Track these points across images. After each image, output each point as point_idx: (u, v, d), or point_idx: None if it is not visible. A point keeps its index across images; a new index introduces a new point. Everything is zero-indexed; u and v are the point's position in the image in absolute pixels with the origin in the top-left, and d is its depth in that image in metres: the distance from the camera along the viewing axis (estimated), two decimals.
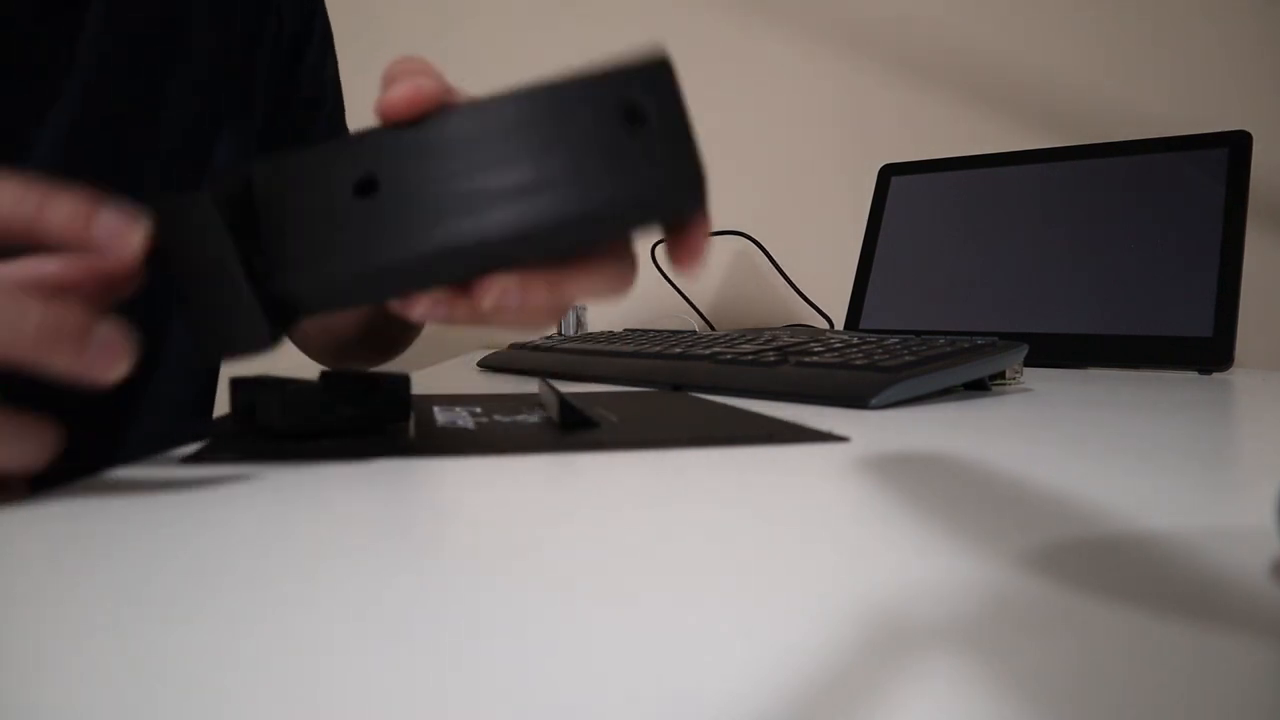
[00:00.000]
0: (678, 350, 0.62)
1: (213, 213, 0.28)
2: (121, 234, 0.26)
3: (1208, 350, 0.71)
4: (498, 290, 0.28)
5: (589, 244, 0.30)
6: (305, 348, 0.77)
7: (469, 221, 0.28)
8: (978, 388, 0.54)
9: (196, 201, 0.28)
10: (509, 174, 0.28)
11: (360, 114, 0.76)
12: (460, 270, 0.29)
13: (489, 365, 0.77)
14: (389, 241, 0.28)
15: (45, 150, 0.49)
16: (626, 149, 0.28)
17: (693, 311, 1.13)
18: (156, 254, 0.28)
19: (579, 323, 1.07)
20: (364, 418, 0.37)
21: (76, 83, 0.51)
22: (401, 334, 0.74)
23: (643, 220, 0.29)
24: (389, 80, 0.29)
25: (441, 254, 0.28)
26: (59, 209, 0.26)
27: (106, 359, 0.25)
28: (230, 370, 0.47)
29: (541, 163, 0.28)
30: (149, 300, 0.28)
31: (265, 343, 0.29)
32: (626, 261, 0.32)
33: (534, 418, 0.42)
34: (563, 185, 0.28)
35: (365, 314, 0.68)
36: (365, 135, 0.29)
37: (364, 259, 0.28)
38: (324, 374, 0.38)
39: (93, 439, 0.52)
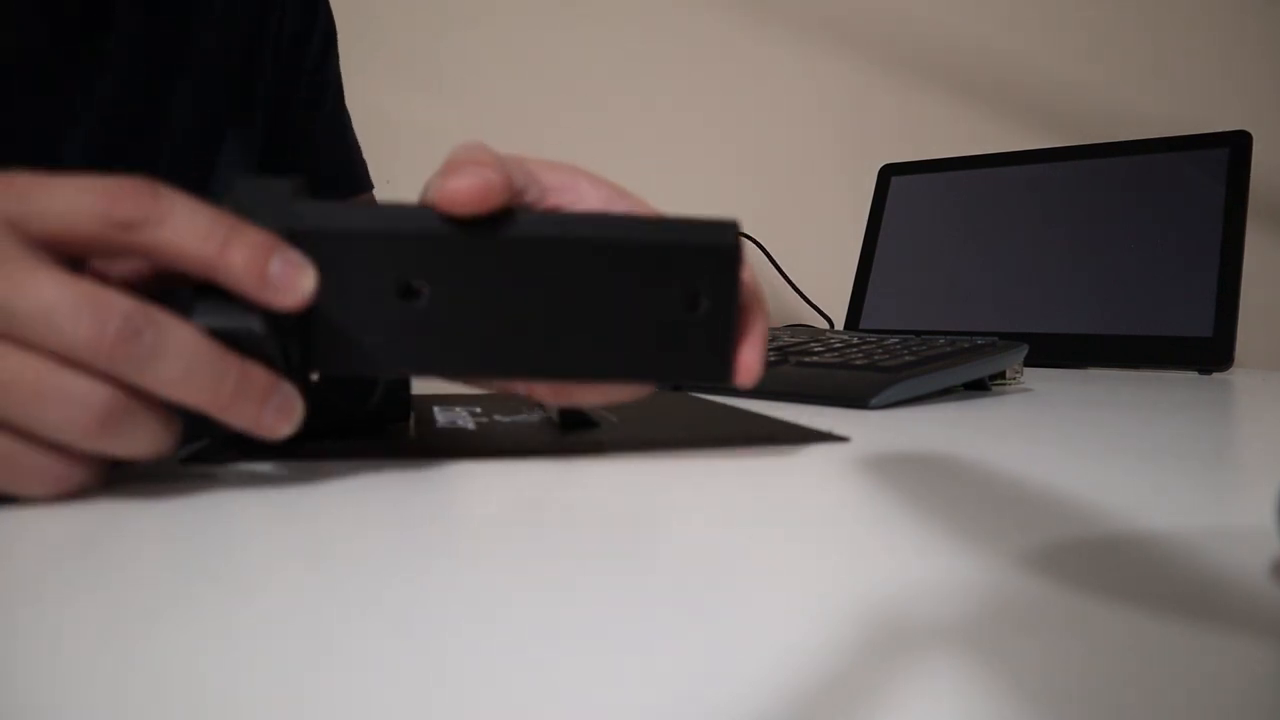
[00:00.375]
0: None
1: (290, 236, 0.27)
2: (294, 278, 0.26)
3: (1208, 350, 0.71)
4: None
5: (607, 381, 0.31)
6: None
7: (508, 358, 0.28)
8: (978, 388, 0.54)
9: (280, 214, 0.27)
10: (559, 320, 0.28)
11: (358, 115, 0.76)
12: (484, 381, 0.30)
13: None
14: (425, 355, 0.28)
15: (68, 168, 0.49)
16: (677, 330, 0.29)
17: None
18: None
19: None
20: (364, 418, 0.37)
21: (95, 101, 0.51)
22: None
23: (672, 383, 0.31)
24: (452, 168, 0.28)
25: (473, 376, 0.29)
26: (242, 248, 0.26)
27: (281, 418, 0.27)
28: None
29: (594, 319, 0.29)
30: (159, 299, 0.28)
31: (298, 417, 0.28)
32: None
33: (534, 418, 0.42)
34: (608, 348, 0.29)
35: None
36: (417, 232, 0.28)
37: (400, 365, 0.28)
38: (324, 374, 0.38)
39: None
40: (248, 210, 0.27)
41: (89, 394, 0.24)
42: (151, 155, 0.54)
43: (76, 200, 0.25)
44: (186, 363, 0.25)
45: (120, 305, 0.24)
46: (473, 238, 0.28)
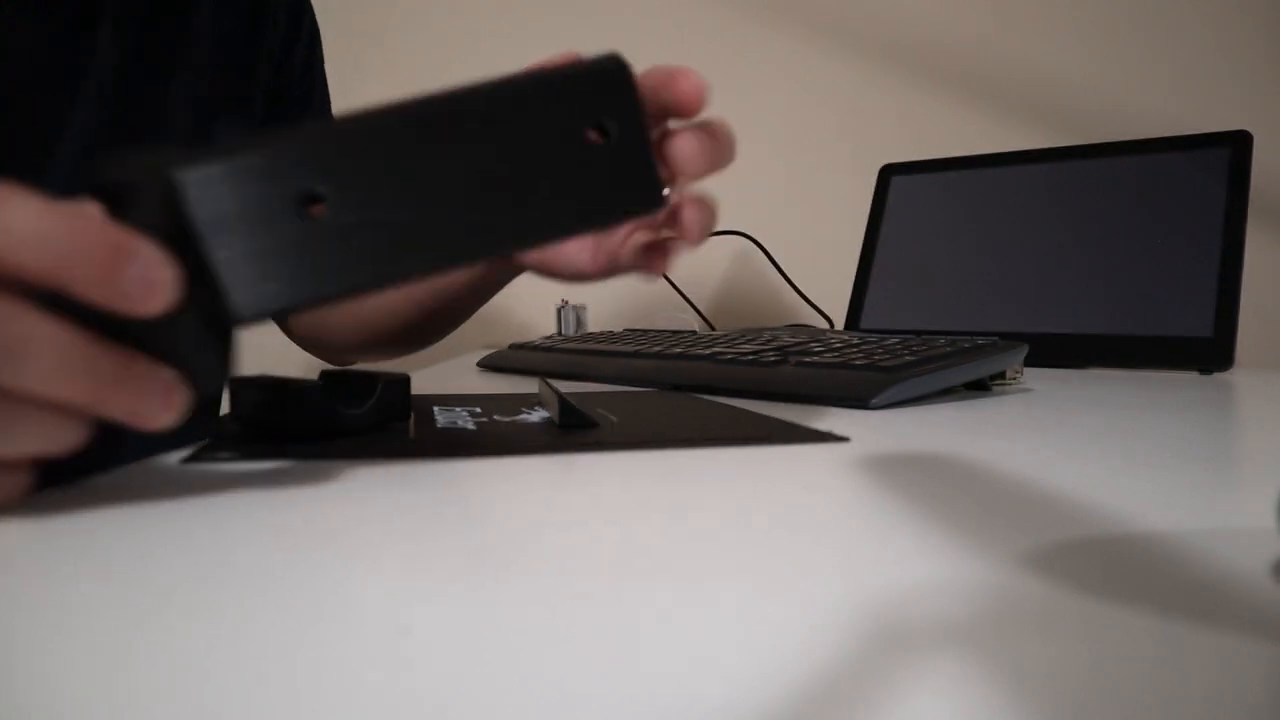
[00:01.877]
0: (678, 350, 0.62)
1: (167, 205, 0.25)
2: (152, 286, 0.23)
3: (1208, 350, 0.71)
4: None
5: (543, 244, 0.29)
6: (318, 346, 0.75)
7: (431, 247, 0.27)
8: (978, 388, 0.54)
9: (158, 176, 0.25)
10: (474, 192, 0.27)
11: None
12: (419, 277, 0.28)
13: (489, 365, 0.77)
14: (341, 269, 0.26)
15: (59, 173, 0.49)
16: (595, 166, 0.28)
17: (693, 311, 1.13)
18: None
19: (579, 323, 1.07)
20: (364, 418, 0.37)
21: (89, 102, 0.51)
22: (452, 320, 0.70)
23: (603, 227, 0.30)
24: (669, 75, 0.32)
25: (396, 277, 0.27)
26: (88, 258, 0.23)
27: (167, 407, 0.25)
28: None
29: (508, 182, 0.27)
30: None
31: (220, 378, 0.27)
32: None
33: (534, 418, 0.42)
34: (531, 206, 0.28)
35: (415, 306, 0.66)
36: (305, 141, 0.26)
37: (317, 288, 0.26)
38: (324, 374, 0.38)
39: (93, 438, 0.52)
40: (126, 193, 0.24)
41: None
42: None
43: None
44: (56, 359, 0.23)
45: None
46: (361, 128, 0.26)
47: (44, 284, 0.23)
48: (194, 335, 0.25)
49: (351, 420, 0.36)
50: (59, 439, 0.25)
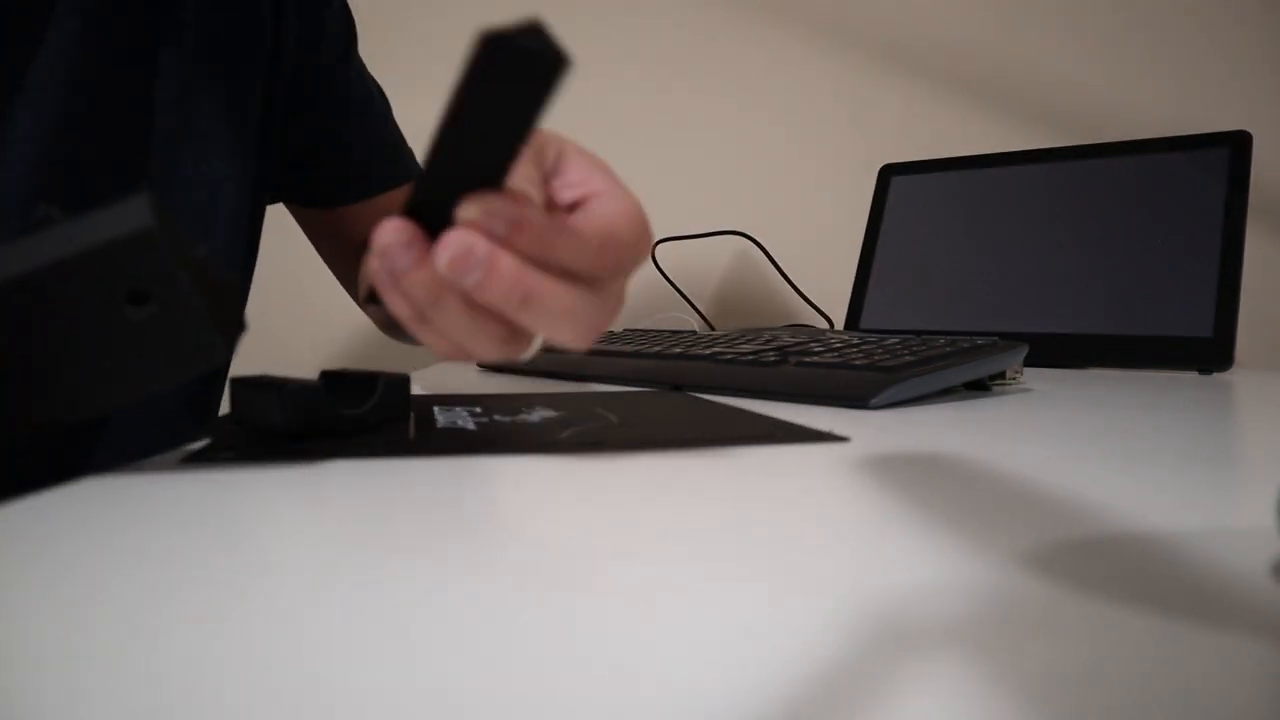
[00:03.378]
0: (678, 350, 0.62)
1: None
2: None
3: (1208, 350, 0.71)
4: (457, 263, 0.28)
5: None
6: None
7: None
8: (978, 388, 0.54)
9: None
10: (32, 368, 0.26)
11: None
12: None
13: (489, 365, 0.77)
14: None
15: (21, 144, 0.47)
16: (138, 331, 0.27)
17: (693, 311, 1.13)
18: None
19: None
20: (364, 417, 0.37)
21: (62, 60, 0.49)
22: None
23: (177, 380, 0.28)
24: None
25: None
26: None
27: None
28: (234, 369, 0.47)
29: (54, 359, 0.26)
30: None
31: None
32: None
33: (534, 418, 0.42)
34: (79, 385, 0.27)
35: None
36: None
37: None
38: (324, 374, 0.38)
39: (90, 439, 0.52)
40: None
41: None
42: (138, 124, 0.53)
43: None
44: None
45: None
46: None
47: None
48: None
49: (351, 420, 0.36)
50: None
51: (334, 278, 0.80)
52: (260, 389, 0.35)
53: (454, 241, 0.28)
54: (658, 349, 0.64)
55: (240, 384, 0.36)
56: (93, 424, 0.53)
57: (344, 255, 0.75)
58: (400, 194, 0.71)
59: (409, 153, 0.74)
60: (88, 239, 0.26)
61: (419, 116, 1.17)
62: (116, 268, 0.26)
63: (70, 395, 0.27)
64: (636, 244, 0.34)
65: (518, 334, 0.31)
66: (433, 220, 0.29)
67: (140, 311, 0.27)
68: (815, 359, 0.53)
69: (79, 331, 0.26)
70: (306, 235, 0.76)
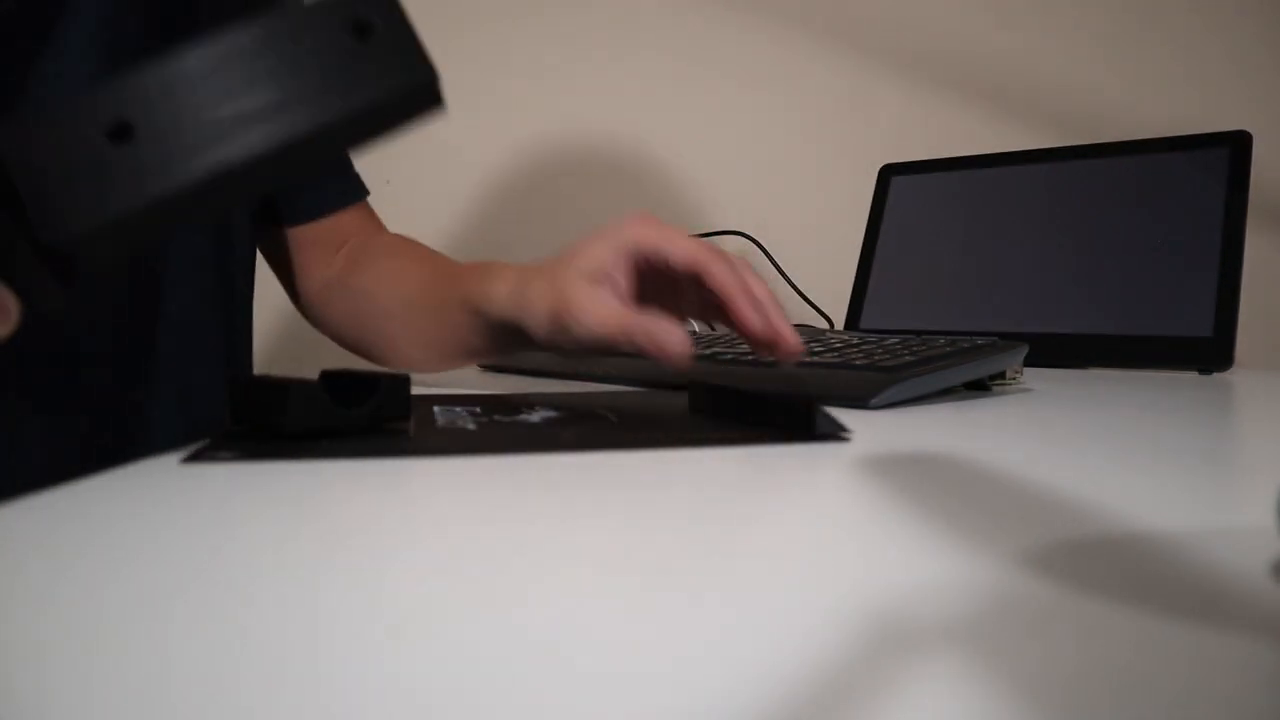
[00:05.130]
0: None
1: None
2: None
3: (1208, 350, 0.71)
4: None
5: (344, 148, 0.32)
6: (399, 358, 0.73)
7: (223, 148, 0.30)
8: (978, 388, 0.54)
9: None
10: (255, 98, 0.30)
11: None
12: (225, 195, 0.30)
13: (489, 365, 0.77)
14: (152, 179, 0.29)
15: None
16: (359, 59, 0.30)
17: None
18: None
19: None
20: (365, 418, 0.37)
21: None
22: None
23: (391, 116, 0.32)
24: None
25: (203, 182, 0.29)
26: None
27: None
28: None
29: (284, 84, 0.30)
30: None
31: (55, 297, 0.29)
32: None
33: (534, 417, 0.42)
34: (305, 101, 0.30)
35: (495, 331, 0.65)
36: (111, 81, 0.29)
37: (132, 200, 0.29)
38: (324, 374, 0.38)
39: (117, 430, 0.53)
40: None
41: None
42: None
43: None
44: None
45: None
46: (163, 69, 0.30)
47: None
48: (21, 259, 0.28)
49: (352, 420, 0.36)
50: None
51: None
52: (261, 389, 0.35)
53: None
54: None
55: (240, 384, 0.36)
56: (128, 416, 0.54)
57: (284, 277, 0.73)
58: (347, 216, 0.70)
59: (356, 175, 0.74)
60: None
61: None
62: (342, 3, 0.30)
63: (294, 114, 0.30)
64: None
65: None
66: None
67: (365, 42, 0.30)
68: (815, 359, 0.53)
69: (312, 60, 0.30)
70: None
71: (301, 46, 0.30)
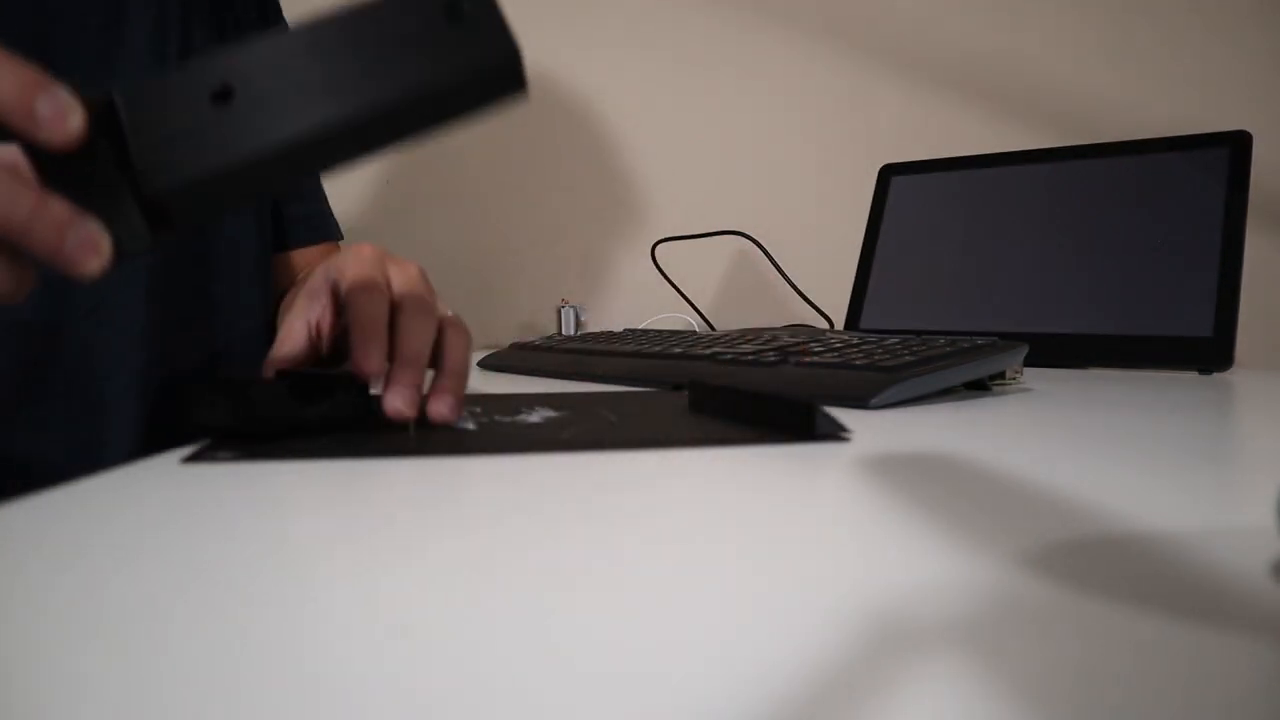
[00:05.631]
0: (678, 350, 0.62)
1: (106, 102, 0.30)
2: (63, 114, 0.27)
3: (1208, 350, 0.71)
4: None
5: (427, 126, 0.34)
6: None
7: (312, 113, 0.32)
8: (978, 388, 0.54)
9: (104, 91, 0.30)
10: (346, 70, 0.32)
11: None
12: (312, 161, 0.33)
13: (489, 365, 0.77)
14: (246, 140, 0.31)
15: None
16: (450, 38, 0.33)
17: (693, 311, 1.13)
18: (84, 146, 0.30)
19: (579, 323, 1.07)
20: (318, 418, 0.37)
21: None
22: None
23: (475, 95, 0.34)
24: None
25: (291, 146, 0.32)
26: (10, 85, 0.27)
27: (83, 252, 0.28)
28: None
29: (380, 57, 0.32)
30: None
31: (144, 242, 0.31)
32: None
33: (534, 417, 0.42)
34: (392, 74, 0.32)
35: None
36: (218, 50, 0.32)
37: (228, 157, 0.31)
38: (280, 373, 0.39)
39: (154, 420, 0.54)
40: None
41: None
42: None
43: None
44: None
45: None
46: (267, 42, 0.32)
47: None
48: (121, 205, 0.30)
49: (306, 420, 0.37)
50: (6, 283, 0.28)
51: None
52: (221, 391, 0.36)
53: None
54: (658, 349, 0.64)
55: (202, 388, 0.36)
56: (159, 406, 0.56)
57: None
58: (313, 252, 0.73)
59: (331, 214, 0.78)
60: None
61: None
62: None
63: (388, 82, 0.32)
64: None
65: None
66: None
67: (454, 23, 0.33)
68: (815, 359, 0.53)
69: (407, 37, 0.33)
70: None
71: (395, 24, 0.33)
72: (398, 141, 0.33)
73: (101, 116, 0.30)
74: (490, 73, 0.33)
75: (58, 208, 0.28)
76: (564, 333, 1.04)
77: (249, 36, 0.32)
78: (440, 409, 0.38)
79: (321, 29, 0.33)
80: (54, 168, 0.29)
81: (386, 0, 0.33)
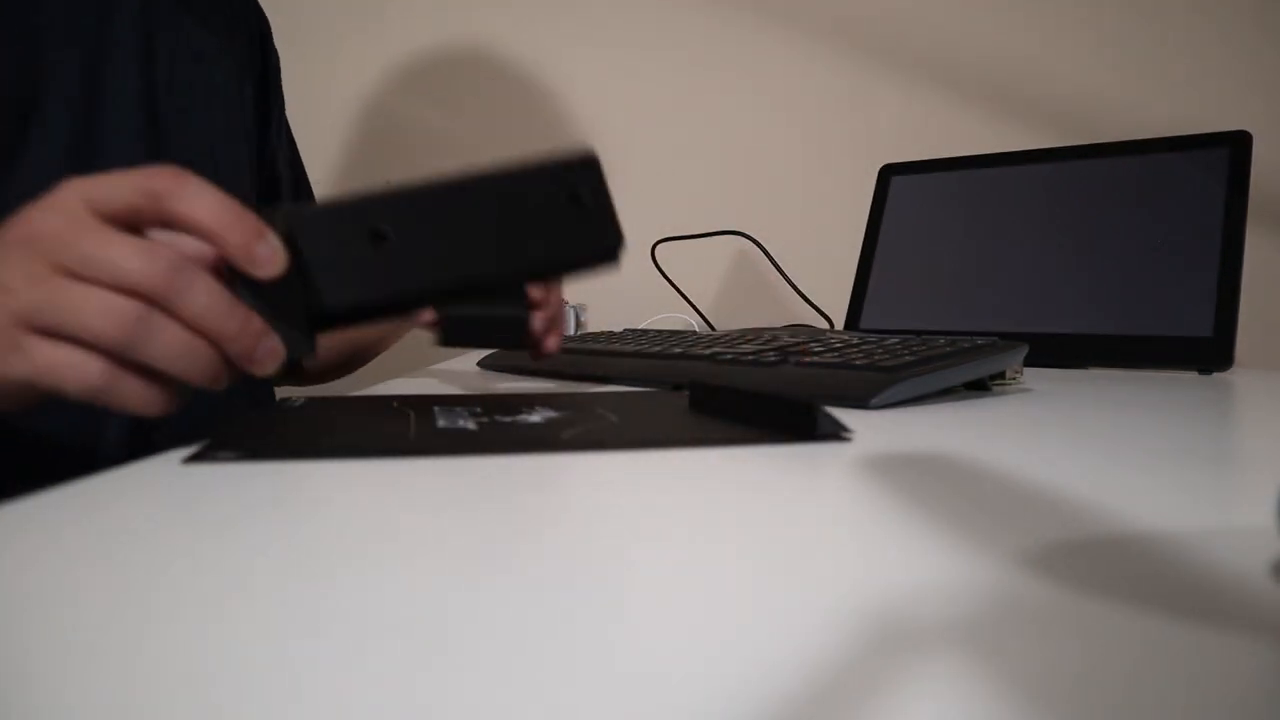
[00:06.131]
0: (678, 350, 0.62)
1: (286, 230, 0.37)
2: (270, 258, 0.36)
3: (1208, 350, 0.71)
4: None
5: (536, 281, 0.47)
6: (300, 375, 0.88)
7: (459, 267, 0.40)
8: (978, 388, 0.54)
9: (283, 216, 0.37)
10: (489, 235, 0.40)
11: (365, 117, 0.75)
12: (443, 301, 0.41)
13: (489, 365, 0.77)
14: (401, 279, 0.39)
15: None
16: (571, 221, 0.41)
17: (693, 311, 1.13)
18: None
19: (579, 323, 1.07)
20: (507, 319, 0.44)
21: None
22: (368, 356, 0.92)
23: (582, 267, 0.43)
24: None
25: (435, 290, 0.40)
26: (238, 231, 0.35)
27: (268, 358, 0.36)
28: None
29: (512, 230, 0.40)
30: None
31: (307, 347, 0.38)
32: None
33: (535, 417, 0.42)
34: (527, 246, 0.41)
35: (348, 342, 0.84)
36: (375, 198, 0.39)
37: (386, 289, 0.39)
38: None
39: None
40: (267, 215, 0.37)
41: (126, 308, 0.34)
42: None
43: (125, 181, 0.35)
44: (209, 300, 0.34)
45: (165, 253, 0.34)
46: (417, 200, 0.39)
47: (211, 239, 0.35)
48: (294, 318, 0.37)
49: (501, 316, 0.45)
50: (197, 365, 0.35)
51: None
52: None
53: None
54: (658, 349, 0.64)
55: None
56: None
57: None
58: None
59: (308, 182, 0.88)
60: (555, 158, 0.42)
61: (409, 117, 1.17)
62: (566, 176, 0.41)
63: (518, 259, 0.41)
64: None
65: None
66: None
67: (575, 208, 0.41)
68: (815, 359, 0.53)
69: (539, 216, 0.41)
70: None
71: (526, 201, 0.40)
72: (511, 286, 0.42)
73: (289, 231, 0.37)
74: (598, 255, 0.41)
75: (257, 323, 0.36)
76: (564, 333, 1.04)
77: (397, 186, 0.39)
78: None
79: (463, 191, 0.40)
80: (249, 283, 0.36)
81: (519, 180, 0.40)
